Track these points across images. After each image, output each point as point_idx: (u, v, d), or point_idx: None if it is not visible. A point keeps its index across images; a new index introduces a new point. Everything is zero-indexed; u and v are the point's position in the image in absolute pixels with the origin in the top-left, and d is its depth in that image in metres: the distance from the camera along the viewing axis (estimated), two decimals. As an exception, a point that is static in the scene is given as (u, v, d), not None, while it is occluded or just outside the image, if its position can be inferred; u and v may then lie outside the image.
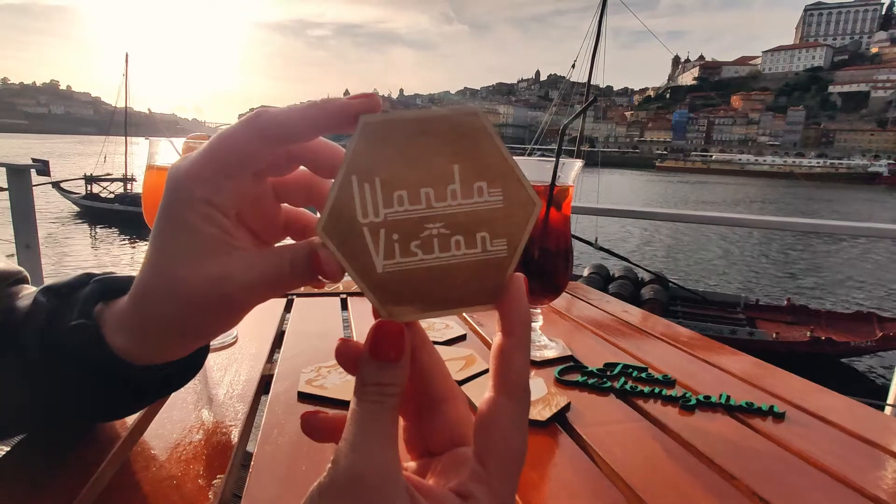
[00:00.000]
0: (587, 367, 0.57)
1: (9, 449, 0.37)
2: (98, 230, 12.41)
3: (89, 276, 0.33)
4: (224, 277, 0.23)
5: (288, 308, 0.81)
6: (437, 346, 0.60)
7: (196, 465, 0.37)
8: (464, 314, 0.78)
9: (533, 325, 0.64)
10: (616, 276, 6.91)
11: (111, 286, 0.31)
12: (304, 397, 0.47)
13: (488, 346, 0.66)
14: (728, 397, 0.51)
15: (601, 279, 6.28)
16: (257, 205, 0.25)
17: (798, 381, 0.57)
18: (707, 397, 0.50)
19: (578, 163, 0.59)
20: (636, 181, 46.03)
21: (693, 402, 0.49)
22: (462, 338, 0.67)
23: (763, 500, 0.35)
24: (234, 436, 0.41)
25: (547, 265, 0.60)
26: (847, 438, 0.45)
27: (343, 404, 0.46)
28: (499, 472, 0.20)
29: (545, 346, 0.63)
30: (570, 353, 0.62)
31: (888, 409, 1.15)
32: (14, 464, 0.36)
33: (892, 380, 1.20)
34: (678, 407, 0.49)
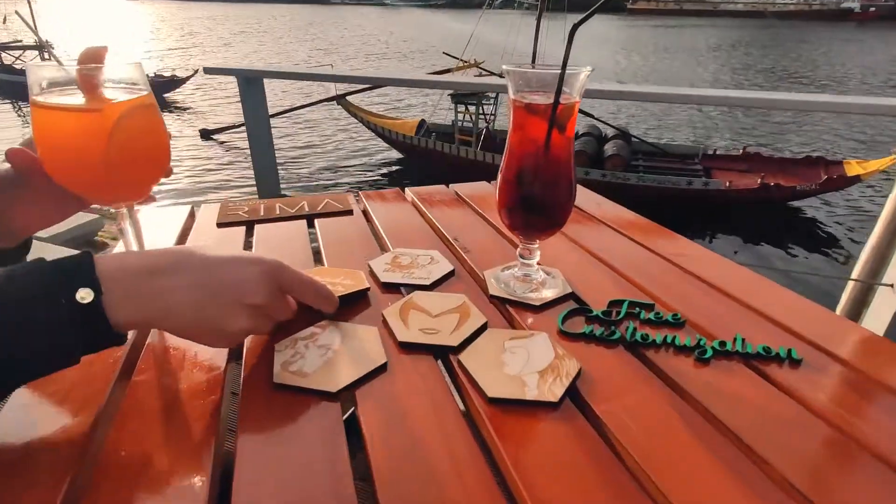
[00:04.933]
0: (591, 311, 0.52)
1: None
2: (25, 108, 11.16)
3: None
4: None
5: (250, 234, 0.71)
6: (425, 293, 0.54)
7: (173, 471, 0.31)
8: (450, 242, 0.70)
9: (529, 260, 0.57)
10: (580, 133, 6.86)
11: None
12: (280, 388, 0.41)
13: (479, 282, 0.59)
14: (743, 341, 0.47)
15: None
16: None
17: (810, 308, 0.54)
18: (722, 344, 0.47)
19: (586, 70, 0.48)
20: (607, 27, 43.23)
21: (708, 352, 0.46)
22: (451, 275, 0.60)
23: (799, 493, 0.33)
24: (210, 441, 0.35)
25: (547, 197, 0.52)
26: (867, 383, 0.43)
27: (324, 395, 0.40)
28: None
29: (543, 282, 0.57)
30: (570, 291, 0.56)
31: (850, 284, 1.20)
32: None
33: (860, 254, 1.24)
34: (692, 359, 0.46)
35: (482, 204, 0.86)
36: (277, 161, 1.82)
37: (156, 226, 0.76)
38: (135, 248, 0.56)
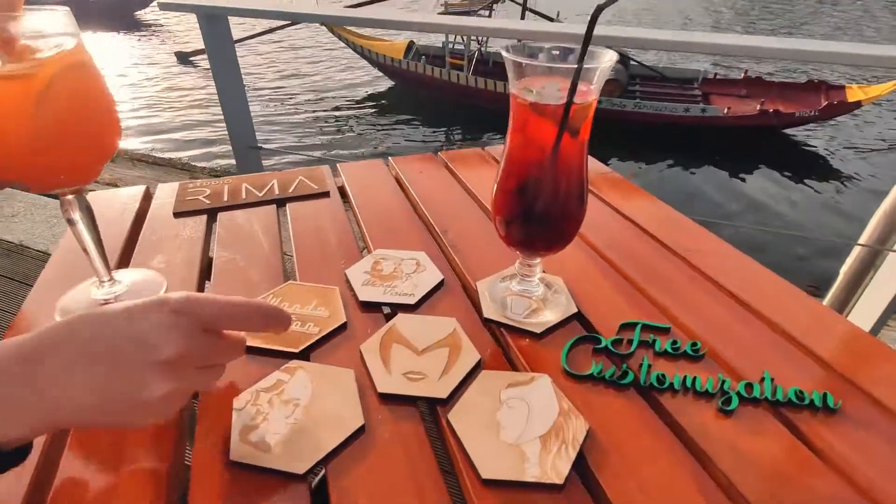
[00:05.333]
0: (600, 341, 0.45)
1: None
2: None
3: None
4: None
5: (212, 222, 0.63)
6: (410, 317, 0.47)
7: None
8: (439, 236, 0.62)
9: (529, 277, 0.50)
10: (579, 57, 6.52)
11: None
12: (236, 465, 0.35)
13: (472, 294, 0.52)
14: (772, 382, 0.41)
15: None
16: None
17: (846, 329, 0.48)
18: (749, 387, 0.41)
19: (608, 57, 0.38)
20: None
21: (734, 402, 0.40)
22: (440, 286, 0.53)
23: None
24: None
25: (553, 209, 0.43)
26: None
27: (286, 476, 0.34)
28: None
29: (544, 298, 0.50)
30: (575, 310, 0.49)
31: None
32: None
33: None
34: (715, 408, 0.40)
35: (473, 179, 0.76)
36: (257, 100, 1.65)
37: (101, 213, 0.66)
38: (89, 243, 0.48)
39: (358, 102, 7.17)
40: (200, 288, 0.55)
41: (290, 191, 0.71)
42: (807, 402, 0.40)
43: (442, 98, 6.73)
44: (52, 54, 0.39)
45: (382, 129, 6.25)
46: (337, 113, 6.68)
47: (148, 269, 0.55)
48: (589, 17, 0.33)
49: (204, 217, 0.66)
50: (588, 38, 0.34)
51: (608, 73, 0.38)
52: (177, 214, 0.66)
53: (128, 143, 5.47)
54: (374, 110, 6.93)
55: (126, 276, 0.53)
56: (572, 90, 0.36)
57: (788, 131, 6.04)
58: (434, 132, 6.36)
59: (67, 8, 0.40)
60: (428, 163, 0.84)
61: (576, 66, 0.35)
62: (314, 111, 6.64)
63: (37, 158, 0.40)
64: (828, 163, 5.67)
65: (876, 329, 1.10)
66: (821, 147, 5.95)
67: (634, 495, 0.34)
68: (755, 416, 0.40)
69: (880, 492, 0.34)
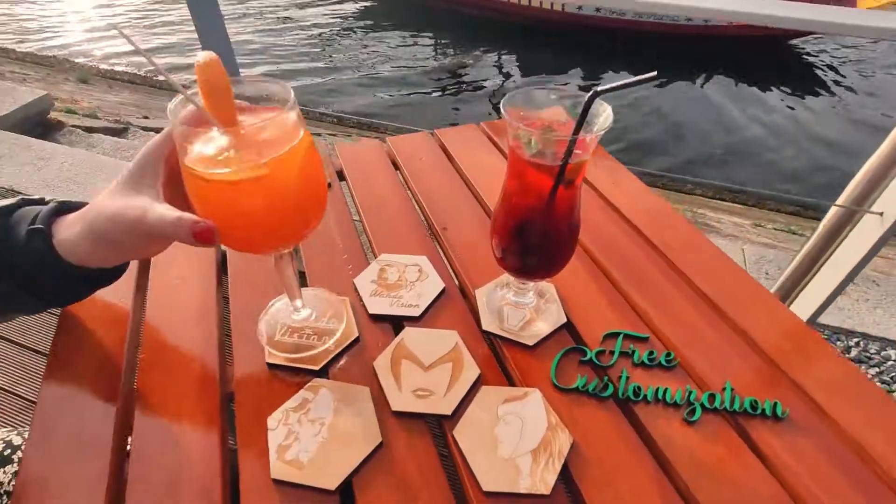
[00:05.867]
0: (586, 353, 0.51)
1: None
2: None
3: (25, 200, 0.44)
4: (143, 213, 0.39)
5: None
6: (416, 331, 0.52)
7: None
8: (438, 233, 0.66)
9: (524, 290, 0.54)
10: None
11: (63, 207, 0.44)
12: (279, 483, 0.41)
13: (471, 300, 0.57)
14: (732, 394, 0.48)
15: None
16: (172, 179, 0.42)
17: (804, 335, 0.54)
18: (711, 398, 0.48)
19: (604, 115, 0.40)
20: None
21: (697, 413, 0.47)
22: (441, 293, 0.58)
23: None
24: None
25: (546, 247, 0.47)
26: (844, 451, 0.45)
27: (318, 492, 0.41)
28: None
29: (537, 308, 0.55)
30: (564, 320, 0.55)
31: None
32: None
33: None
34: (681, 419, 0.47)
35: (469, 163, 0.78)
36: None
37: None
38: (296, 290, 0.51)
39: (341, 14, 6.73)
40: (220, 283, 0.59)
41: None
42: (759, 411, 0.47)
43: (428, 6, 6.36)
44: (287, 150, 0.39)
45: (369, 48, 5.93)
46: (321, 31, 6.30)
47: (317, 289, 0.58)
48: (584, 102, 0.35)
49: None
50: (582, 119, 0.36)
51: (606, 124, 0.41)
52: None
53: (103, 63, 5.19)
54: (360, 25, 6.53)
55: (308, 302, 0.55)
56: (567, 155, 0.39)
57: (795, 42, 5.82)
58: (425, 45, 6.04)
59: (293, 95, 0.40)
60: (423, 143, 0.85)
61: (569, 137, 0.37)
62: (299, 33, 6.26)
63: (263, 238, 0.43)
64: (832, 78, 5.54)
65: (842, 287, 1.17)
66: (825, 61, 5.77)
67: (608, 503, 0.41)
68: (714, 424, 0.46)
69: (811, 496, 0.42)
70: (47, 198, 0.45)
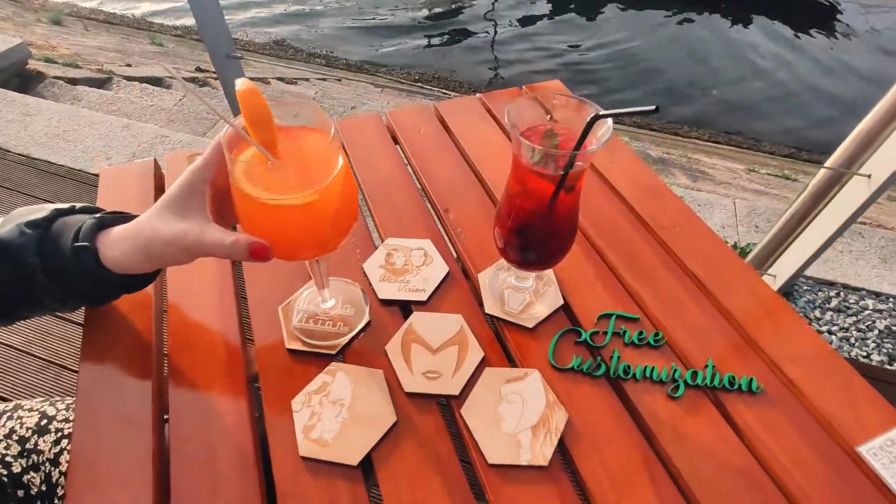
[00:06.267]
0: (581, 333, 0.56)
1: None
2: None
3: (58, 211, 0.48)
4: (201, 237, 0.43)
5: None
6: (423, 315, 0.56)
7: None
8: (441, 214, 0.68)
9: (524, 279, 0.58)
10: None
11: (105, 222, 0.47)
12: (306, 460, 0.47)
13: (474, 283, 0.61)
14: (713, 371, 0.53)
15: None
16: (216, 201, 0.46)
17: (783, 311, 0.59)
18: (694, 375, 0.52)
19: (605, 127, 0.42)
20: None
21: (680, 389, 0.52)
22: (447, 277, 0.61)
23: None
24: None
25: (546, 246, 0.51)
26: (815, 427, 0.50)
27: (345, 466, 0.46)
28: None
29: (536, 291, 0.59)
30: (562, 303, 0.59)
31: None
32: None
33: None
34: (665, 394, 0.52)
35: (467, 135, 0.80)
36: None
37: (116, 193, 0.70)
38: (326, 283, 0.55)
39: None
40: (234, 266, 0.62)
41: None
42: (736, 386, 0.52)
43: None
44: (332, 178, 0.42)
45: None
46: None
47: (332, 277, 0.61)
48: (585, 124, 0.37)
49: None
50: (583, 138, 0.38)
51: (607, 134, 0.42)
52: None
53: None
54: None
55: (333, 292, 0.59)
56: (568, 167, 0.41)
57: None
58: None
59: (332, 124, 0.42)
60: (423, 115, 0.85)
61: (570, 152, 0.39)
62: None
63: (305, 250, 0.48)
64: (833, 15, 5.36)
65: (826, 245, 1.22)
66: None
67: (597, 471, 0.46)
68: (695, 399, 0.52)
69: (779, 466, 0.47)
70: (77, 205, 0.48)
